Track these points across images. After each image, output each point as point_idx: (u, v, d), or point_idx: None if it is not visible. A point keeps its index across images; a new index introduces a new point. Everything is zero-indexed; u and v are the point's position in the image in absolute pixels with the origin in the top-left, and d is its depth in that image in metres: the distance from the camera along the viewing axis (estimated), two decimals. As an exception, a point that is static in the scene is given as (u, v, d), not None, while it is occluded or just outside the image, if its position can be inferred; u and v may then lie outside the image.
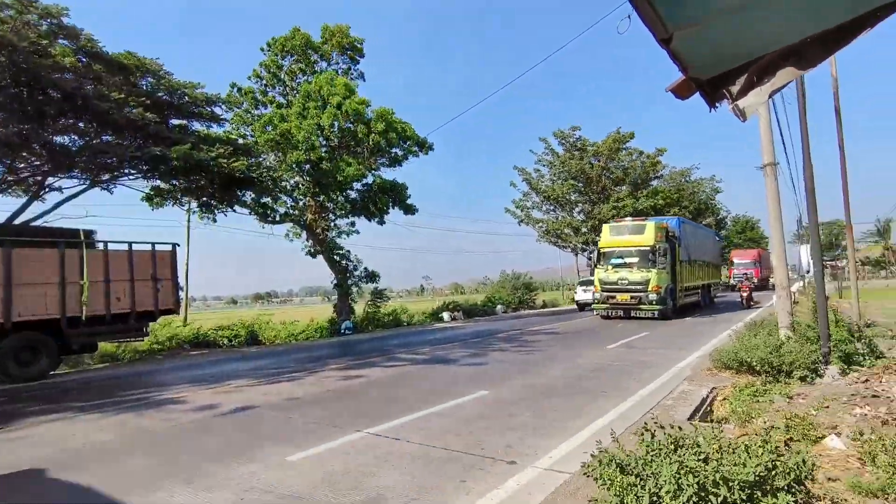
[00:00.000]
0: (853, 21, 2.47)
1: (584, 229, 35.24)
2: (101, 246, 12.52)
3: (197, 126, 16.98)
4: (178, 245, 14.61)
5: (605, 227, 22.43)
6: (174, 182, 16.65)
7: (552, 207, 36.93)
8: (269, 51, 21.29)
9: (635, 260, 20.24)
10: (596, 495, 3.32)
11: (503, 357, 11.69)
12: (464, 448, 5.16)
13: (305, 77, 21.50)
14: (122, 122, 13.23)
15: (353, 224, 22.92)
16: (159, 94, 15.04)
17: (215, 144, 15.86)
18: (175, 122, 16.19)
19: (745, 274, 42.46)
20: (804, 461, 3.10)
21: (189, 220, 25.21)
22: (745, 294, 25.70)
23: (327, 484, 4.34)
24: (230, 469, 4.78)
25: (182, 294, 19.89)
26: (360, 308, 24.20)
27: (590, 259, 37.16)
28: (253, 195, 19.60)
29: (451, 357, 12.00)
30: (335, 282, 22.24)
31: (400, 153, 22.06)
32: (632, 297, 20.10)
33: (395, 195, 22.15)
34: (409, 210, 22.65)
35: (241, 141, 19.16)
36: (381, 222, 22.57)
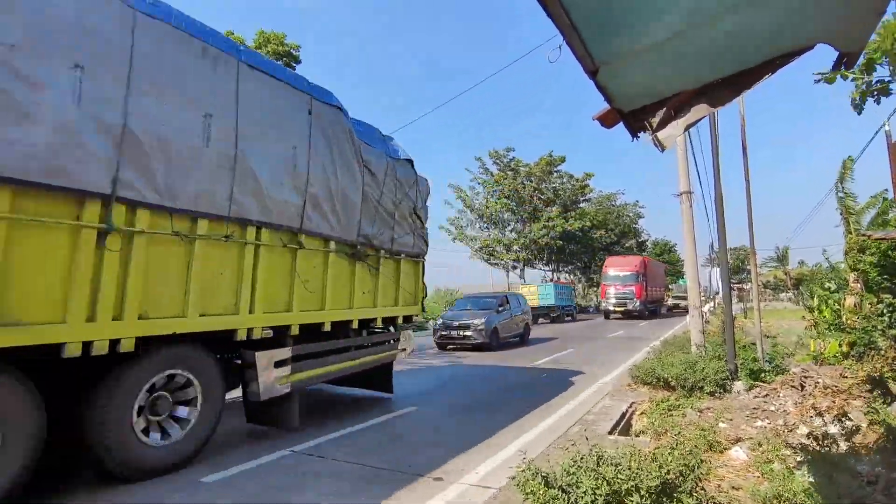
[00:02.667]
0: (757, 67, 2.74)
1: (515, 247, 36.21)
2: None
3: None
4: None
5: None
6: None
7: (486, 226, 37.74)
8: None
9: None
10: (521, 508, 3.37)
11: (430, 373, 11.67)
12: (391, 465, 5.08)
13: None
14: None
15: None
16: None
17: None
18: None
19: (623, 294, 30.95)
20: (698, 464, 3.33)
21: None
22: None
23: (245, 506, 4.12)
24: (127, 495, 4.43)
25: None
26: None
27: (521, 276, 38.15)
28: None
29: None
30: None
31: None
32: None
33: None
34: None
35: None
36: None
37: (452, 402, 8.26)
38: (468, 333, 15.59)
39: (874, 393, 6.10)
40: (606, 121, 3.00)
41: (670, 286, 67.80)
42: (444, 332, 16.18)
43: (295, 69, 21.96)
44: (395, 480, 4.67)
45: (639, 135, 3.18)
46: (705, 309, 22.16)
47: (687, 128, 3.29)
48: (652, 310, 34.32)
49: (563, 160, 36.31)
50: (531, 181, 36.43)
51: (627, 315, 31.49)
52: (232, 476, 4.84)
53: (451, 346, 16.34)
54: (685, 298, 35.77)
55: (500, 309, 16.88)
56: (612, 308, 31.77)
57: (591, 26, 1.90)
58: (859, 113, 5.93)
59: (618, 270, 32.22)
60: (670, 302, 43.19)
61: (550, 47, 2.12)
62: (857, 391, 6.42)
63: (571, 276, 49.50)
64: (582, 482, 3.15)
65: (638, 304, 30.92)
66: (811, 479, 3.80)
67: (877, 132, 9.49)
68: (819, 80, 6.09)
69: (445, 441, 5.96)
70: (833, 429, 5.35)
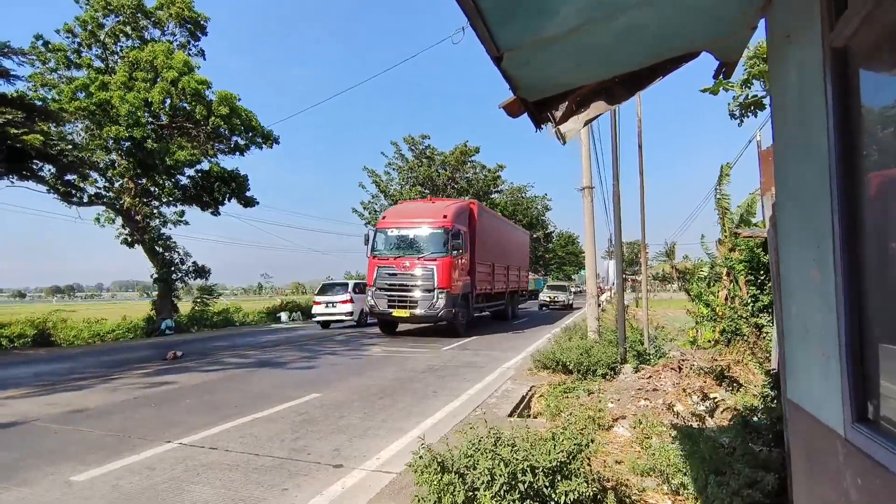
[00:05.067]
0: (650, 69, 2.92)
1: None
2: None
3: (-25, 79, 13.84)
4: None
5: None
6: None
7: (399, 212, 37.59)
8: (87, 4, 18.28)
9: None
10: (419, 493, 3.39)
11: (337, 360, 11.47)
12: (288, 454, 4.92)
13: (130, 42, 18.91)
14: None
15: (181, 214, 20.74)
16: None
17: (7, 109, 13.08)
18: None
19: (404, 283, 15.60)
20: (588, 443, 3.55)
21: (-41, 193, 20.45)
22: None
23: (122, 504, 3.79)
24: (-10, 496, 3.93)
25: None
26: (186, 307, 21.90)
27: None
28: (53, 170, 16.61)
29: (282, 360, 11.44)
30: (156, 276, 19.84)
31: (242, 142, 20.52)
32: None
33: (234, 185, 20.57)
34: (249, 203, 21.23)
35: (40, 103, 16.10)
36: (216, 213, 20.90)
37: (357, 387, 8.16)
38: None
39: (723, 384, 6.84)
40: (512, 110, 3.05)
41: (572, 276, 71.49)
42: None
43: (200, 40, 20.40)
44: (293, 469, 4.53)
45: (542, 126, 3.27)
46: (602, 298, 23.71)
47: (587, 122, 3.44)
48: (499, 310, 21.77)
49: (477, 150, 36.94)
50: (446, 170, 36.74)
51: (418, 321, 16.40)
52: (115, 470, 4.45)
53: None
54: (563, 290, 35.59)
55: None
56: (380, 308, 15.97)
57: (495, 11, 1.90)
58: (740, 124, 6.59)
59: (406, 227, 16.38)
60: (546, 296, 35.04)
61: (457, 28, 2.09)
62: (716, 375, 7.17)
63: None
64: (479, 464, 3.22)
65: (440, 300, 15.03)
66: (682, 451, 4.19)
67: (749, 141, 10.59)
68: (705, 91, 6.73)
69: (347, 427, 5.88)
70: (701, 407, 5.94)
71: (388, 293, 15.86)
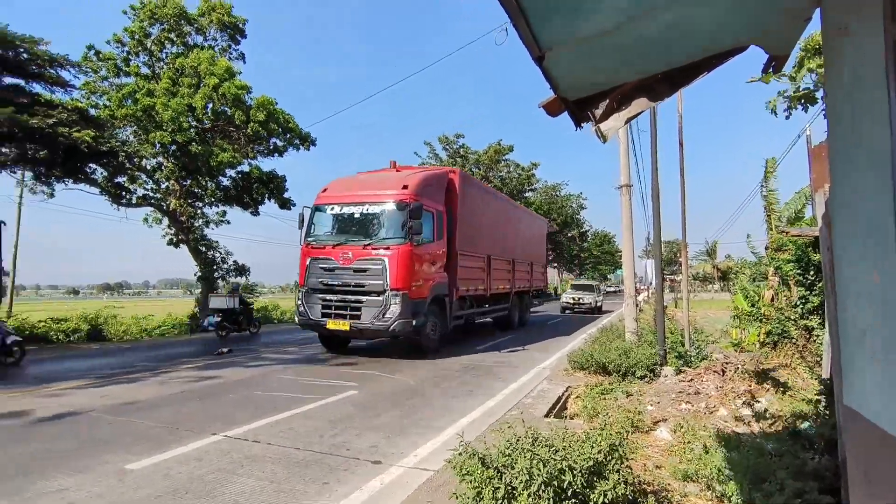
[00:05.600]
0: (694, 64, 2.85)
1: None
2: None
3: (39, 89, 14.65)
4: (4, 223, 12.46)
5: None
6: (3, 149, 14.19)
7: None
8: (134, 15, 19.09)
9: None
10: (457, 490, 3.42)
11: (374, 357, 11.62)
12: (328, 449, 5.03)
13: (175, 48, 19.63)
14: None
15: (223, 214, 21.41)
16: (-14, 46, 12.72)
17: (57, 109, 13.82)
18: (9, 80, 13.82)
19: (342, 287, 11.11)
20: (625, 445, 3.50)
21: (22, 196, 21.69)
22: None
23: (173, 493, 3.96)
24: (52, 480, 4.17)
25: (7, 280, 17.00)
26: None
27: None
28: (104, 172, 17.43)
29: (320, 356, 11.67)
30: (199, 274, 20.55)
31: (280, 144, 21.02)
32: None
33: (272, 187, 21.11)
34: (286, 204, 21.71)
35: (92, 111, 16.91)
36: (256, 213, 21.49)
37: (392, 385, 8.26)
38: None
39: (763, 385, 6.60)
40: (551, 109, 3.03)
41: (608, 276, 70.24)
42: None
43: (240, 43, 20.99)
44: (332, 464, 4.63)
45: (582, 125, 3.24)
46: (640, 298, 23.18)
47: (628, 120, 3.38)
48: (500, 316, 17.16)
49: (511, 149, 36.77)
50: (479, 168, 36.71)
51: (361, 336, 11.95)
52: (165, 461, 4.65)
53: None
54: (590, 290, 29.10)
55: None
56: (312, 317, 11.46)
57: (538, 10, 1.89)
58: (787, 117, 6.34)
59: (352, 203, 11.95)
60: (569, 298, 29.29)
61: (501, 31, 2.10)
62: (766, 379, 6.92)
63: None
64: (517, 463, 3.23)
65: (393, 306, 10.65)
66: (726, 457, 4.07)
67: (799, 136, 10.17)
68: (752, 81, 6.47)
69: (384, 424, 5.96)
70: (746, 411, 5.75)
71: (323, 296, 11.25)
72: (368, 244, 11.06)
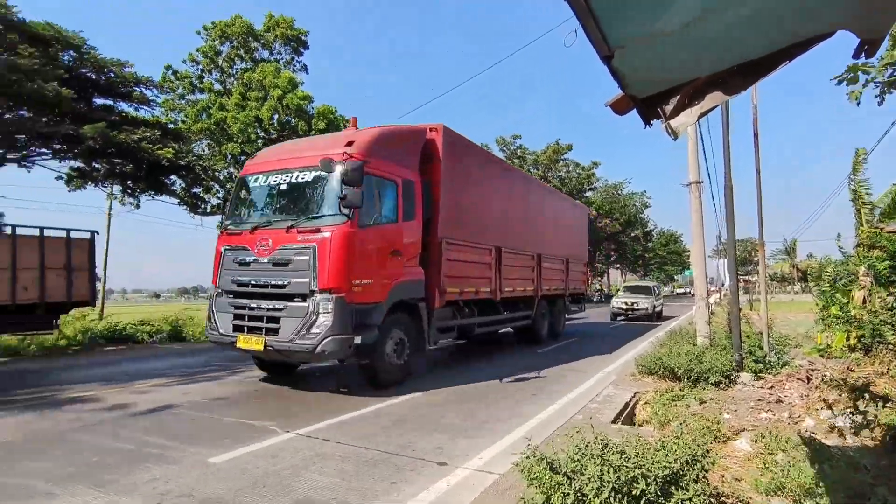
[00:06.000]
0: (773, 54, 2.69)
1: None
2: (7, 230, 11.48)
3: (125, 108, 15.97)
4: (97, 233, 13.65)
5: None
6: (95, 164, 15.59)
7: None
8: (206, 35, 20.42)
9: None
10: (525, 495, 3.39)
11: (437, 360, 11.73)
12: (395, 449, 5.13)
13: (244, 64, 20.77)
14: (32, 94, 12.00)
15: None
16: (82, 71, 13.97)
17: (141, 127, 14.97)
18: (100, 101, 15.13)
19: (256, 287, 7.77)
20: (705, 454, 3.33)
21: (111, 207, 23.63)
22: None
23: (252, 486, 4.18)
24: (145, 471, 4.50)
25: (99, 285, 18.55)
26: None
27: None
28: (182, 184, 18.71)
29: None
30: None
31: (340, 152, 21.73)
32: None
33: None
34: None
35: (171, 126, 18.22)
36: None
37: (455, 387, 8.30)
38: None
39: (863, 398, 6.06)
40: (619, 107, 2.95)
41: (675, 276, 67.20)
42: None
43: (302, 55, 21.88)
44: (399, 464, 4.72)
45: (651, 122, 3.13)
46: (711, 300, 21.91)
47: (701, 116, 3.24)
48: (523, 326, 13.78)
49: (570, 148, 36.15)
50: (538, 169, 36.29)
51: (278, 358, 8.05)
52: (244, 455, 4.92)
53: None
54: (647, 293, 24.01)
55: None
56: (220, 330, 8.06)
57: (607, 9, 1.86)
58: (880, 103, 5.83)
59: (281, 170, 8.33)
60: (620, 302, 24.76)
61: (565, 31, 2.08)
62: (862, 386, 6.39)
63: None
64: (587, 468, 3.16)
65: (322, 315, 7.02)
66: (814, 471, 3.80)
67: (893, 123, 9.36)
68: (840, 82, 5.79)
69: (449, 426, 6.01)
70: (841, 422, 5.34)
71: (235, 300, 8.07)
72: (292, 226, 7.64)
